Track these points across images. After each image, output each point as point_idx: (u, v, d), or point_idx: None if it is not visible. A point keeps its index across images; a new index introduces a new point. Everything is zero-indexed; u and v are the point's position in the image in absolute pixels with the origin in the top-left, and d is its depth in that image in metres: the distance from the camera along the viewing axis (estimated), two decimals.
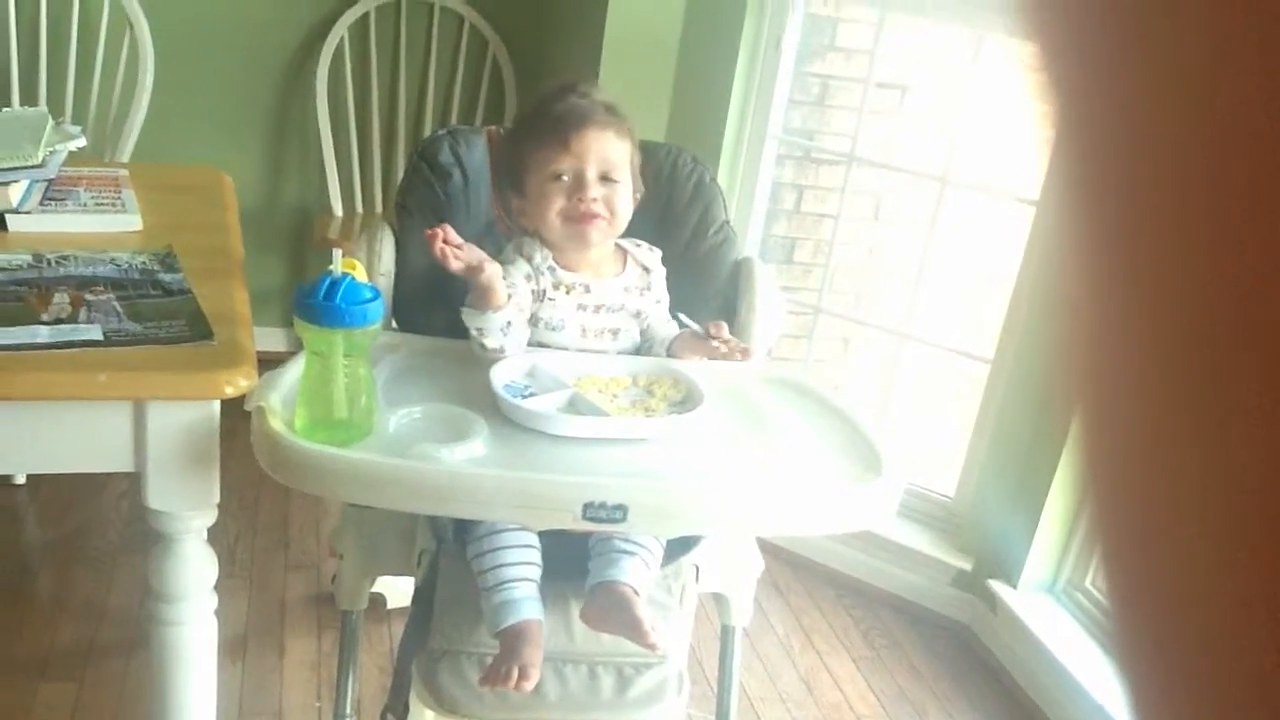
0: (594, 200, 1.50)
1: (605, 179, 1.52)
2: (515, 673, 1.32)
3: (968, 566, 2.44)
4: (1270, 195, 0.17)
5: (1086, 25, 0.20)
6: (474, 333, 1.46)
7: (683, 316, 1.59)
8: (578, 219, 1.51)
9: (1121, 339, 0.21)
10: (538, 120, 1.54)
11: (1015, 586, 2.33)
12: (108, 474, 2.44)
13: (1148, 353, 0.20)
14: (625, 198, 1.54)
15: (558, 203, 1.51)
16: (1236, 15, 0.17)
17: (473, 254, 1.42)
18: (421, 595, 1.48)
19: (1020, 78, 0.22)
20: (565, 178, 1.51)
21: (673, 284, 1.64)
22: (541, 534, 1.42)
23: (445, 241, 1.41)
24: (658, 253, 1.63)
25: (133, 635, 2.09)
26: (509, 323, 1.46)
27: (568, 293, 1.55)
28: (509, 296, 1.46)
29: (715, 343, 1.51)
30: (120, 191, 1.80)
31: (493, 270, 1.43)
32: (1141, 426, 0.21)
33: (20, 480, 2.56)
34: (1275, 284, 0.17)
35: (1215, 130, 0.18)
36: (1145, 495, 0.21)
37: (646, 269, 1.61)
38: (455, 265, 1.41)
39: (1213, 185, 0.18)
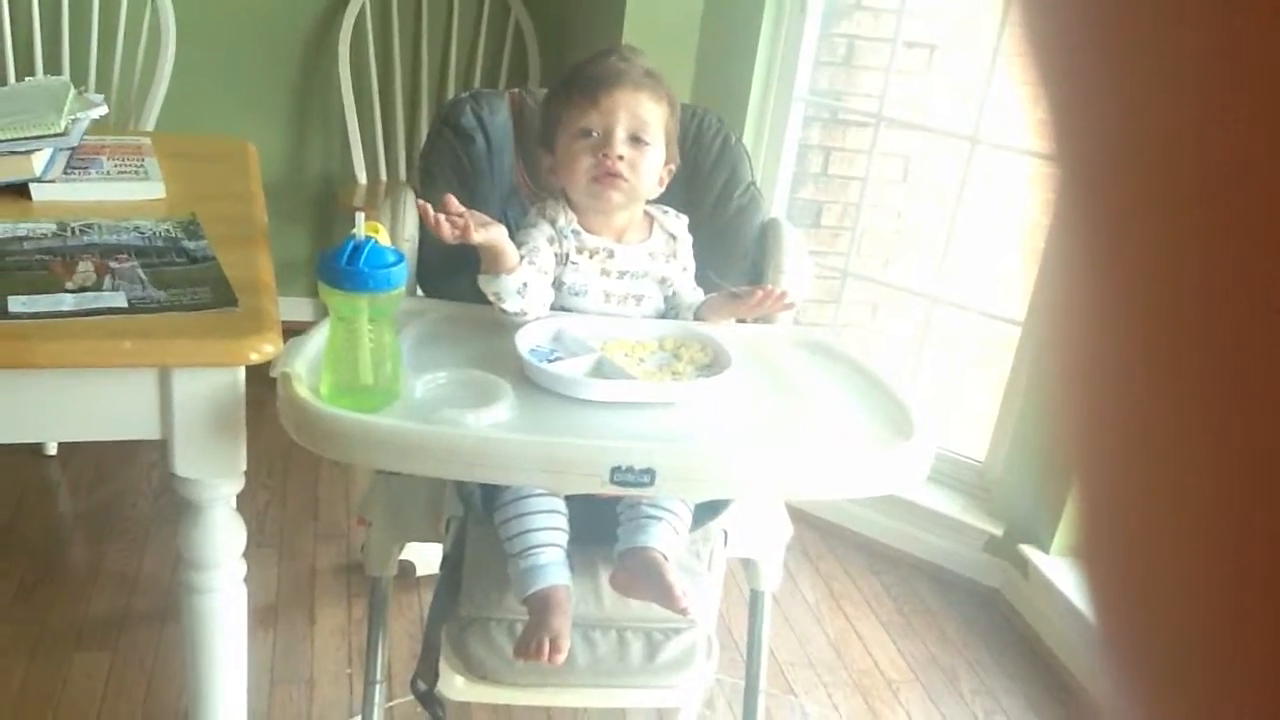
0: (619, 159, 1.48)
1: (635, 140, 1.49)
2: (546, 645, 1.32)
3: (999, 532, 2.42)
4: (1257, 190, 0.17)
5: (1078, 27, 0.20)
6: (491, 297, 1.44)
7: (713, 276, 1.57)
8: (600, 178, 1.49)
9: (1110, 338, 0.20)
10: (574, 78, 1.52)
11: (1047, 551, 2.31)
12: (137, 445, 2.46)
13: (1137, 351, 0.20)
14: (653, 162, 1.51)
15: (584, 160, 1.49)
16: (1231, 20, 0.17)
17: (473, 219, 1.40)
18: (450, 562, 1.47)
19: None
20: (594, 134, 1.49)
21: (699, 246, 1.62)
22: (569, 500, 1.41)
23: (449, 212, 1.38)
24: (684, 219, 1.61)
25: (165, 605, 2.11)
26: (525, 284, 1.44)
27: (591, 257, 1.53)
28: (522, 258, 1.45)
29: (758, 294, 1.48)
30: (143, 160, 1.80)
31: (495, 233, 1.40)
32: (1126, 423, 0.20)
33: (52, 452, 2.58)
34: (1266, 284, 0.17)
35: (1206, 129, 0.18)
36: (1128, 491, 0.21)
37: (673, 236, 1.59)
38: (448, 234, 1.37)
39: (1202, 178, 0.18)
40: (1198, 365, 0.18)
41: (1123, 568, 0.21)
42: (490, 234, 1.40)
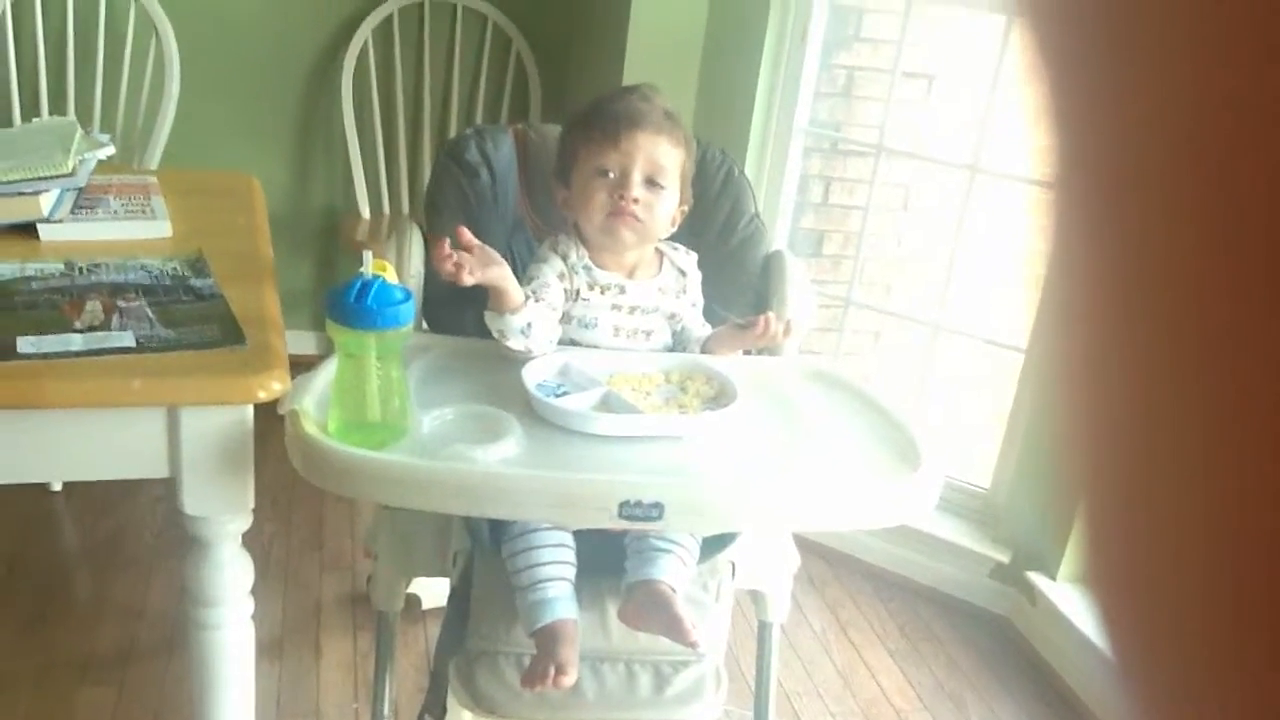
0: (635, 201, 1.49)
1: (651, 183, 1.50)
2: (552, 670, 1.32)
3: (1005, 559, 2.42)
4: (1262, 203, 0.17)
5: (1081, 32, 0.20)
6: (496, 335, 1.45)
7: (719, 309, 1.57)
8: (614, 216, 1.50)
9: (1113, 352, 0.21)
10: (594, 115, 1.53)
11: (1055, 578, 2.30)
12: (142, 479, 2.46)
13: (1143, 359, 0.20)
14: (667, 204, 1.52)
15: (599, 198, 1.50)
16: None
17: (480, 256, 1.39)
18: (457, 595, 1.48)
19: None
20: (611, 174, 1.49)
21: (704, 277, 1.63)
22: (577, 533, 1.42)
23: (460, 243, 1.39)
24: (694, 256, 1.62)
25: (170, 638, 2.11)
26: (529, 324, 1.44)
27: (602, 293, 1.54)
28: (527, 297, 1.45)
29: (760, 324, 1.49)
30: (150, 198, 1.81)
31: (495, 274, 1.40)
32: (1133, 427, 0.20)
33: (57, 487, 2.58)
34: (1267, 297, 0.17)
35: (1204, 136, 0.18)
36: (1134, 510, 0.21)
37: (683, 272, 1.60)
38: (446, 273, 1.37)
39: (1206, 191, 0.18)
40: (1202, 380, 0.19)
41: (1130, 589, 0.22)
42: (490, 274, 1.40)
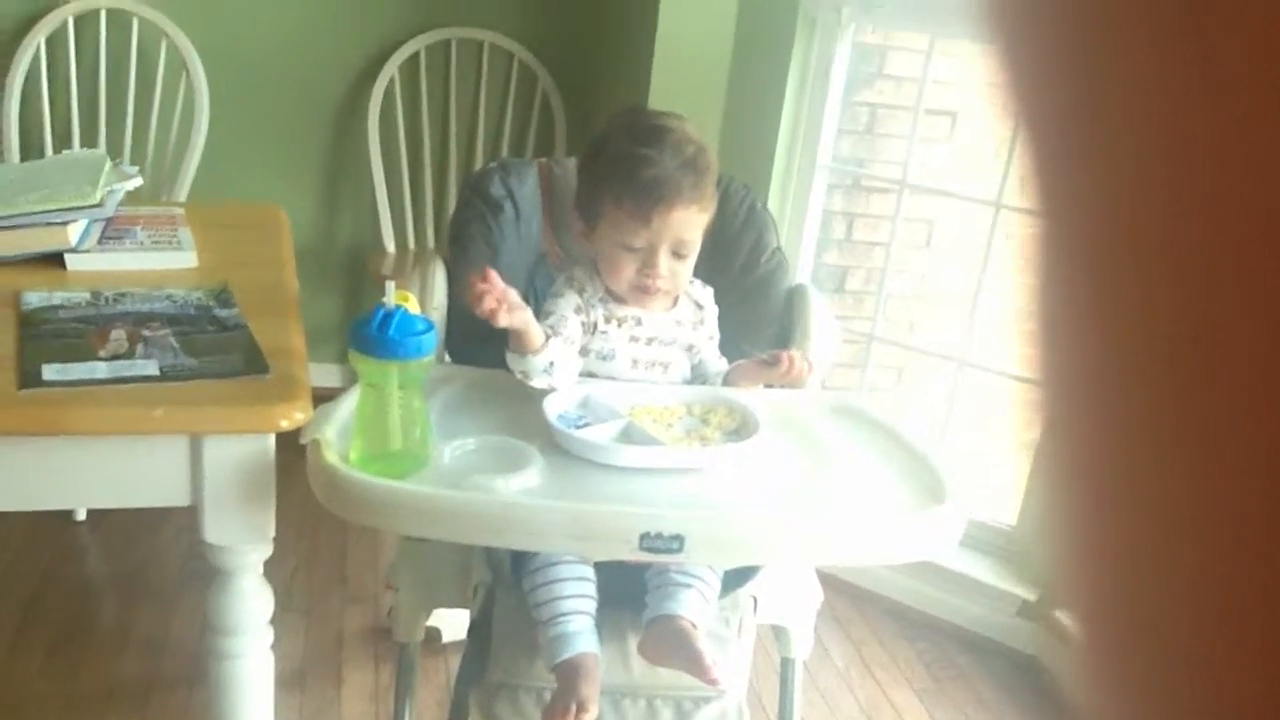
0: (660, 276, 1.50)
1: (677, 254, 1.51)
2: (574, 707, 1.31)
3: (1033, 597, 2.39)
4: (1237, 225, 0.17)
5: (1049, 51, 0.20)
6: (519, 376, 1.45)
7: (745, 347, 1.57)
8: (640, 288, 1.51)
9: (1096, 361, 0.20)
10: (627, 178, 1.46)
11: None
12: (167, 510, 2.47)
13: (1122, 372, 0.20)
14: (690, 264, 1.53)
15: (626, 272, 1.50)
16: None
17: (511, 299, 1.39)
18: (477, 628, 1.47)
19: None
20: (638, 248, 1.49)
21: (726, 311, 1.63)
22: (597, 565, 1.41)
23: (489, 286, 1.38)
24: (710, 290, 1.62)
25: (194, 669, 2.10)
26: (551, 363, 1.44)
27: (619, 325, 1.54)
28: (547, 336, 1.45)
29: (784, 362, 1.48)
30: (177, 230, 1.82)
31: (519, 318, 1.39)
32: (1115, 438, 0.20)
33: (81, 517, 2.59)
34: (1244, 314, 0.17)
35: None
36: (1118, 516, 0.21)
37: (699, 305, 1.60)
38: (484, 310, 1.36)
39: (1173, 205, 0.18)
40: (1183, 411, 0.18)
41: (1111, 593, 0.21)
42: (515, 318, 1.39)
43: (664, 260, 1.49)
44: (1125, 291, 0.19)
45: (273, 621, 1.48)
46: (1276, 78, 0.16)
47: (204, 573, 1.46)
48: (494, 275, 1.38)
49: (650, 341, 1.56)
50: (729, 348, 1.62)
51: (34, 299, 1.54)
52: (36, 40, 2.76)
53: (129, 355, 1.40)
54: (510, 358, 1.45)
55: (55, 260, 1.66)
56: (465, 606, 1.53)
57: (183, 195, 2.78)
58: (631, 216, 1.46)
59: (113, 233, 1.76)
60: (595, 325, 1.53)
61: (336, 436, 1.31)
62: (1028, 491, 2.43)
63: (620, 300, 1.54)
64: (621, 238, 1.48)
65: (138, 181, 1.82)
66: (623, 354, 1.54)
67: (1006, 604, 2.42)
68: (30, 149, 2.78)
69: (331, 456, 1.26)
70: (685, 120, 1.53)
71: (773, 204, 2.53)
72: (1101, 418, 0.20)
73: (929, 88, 2.48)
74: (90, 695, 2.06)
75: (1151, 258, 0.18)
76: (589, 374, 1.53)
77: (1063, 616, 2.29)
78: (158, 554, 2.51)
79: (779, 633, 1.66)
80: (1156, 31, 0.18)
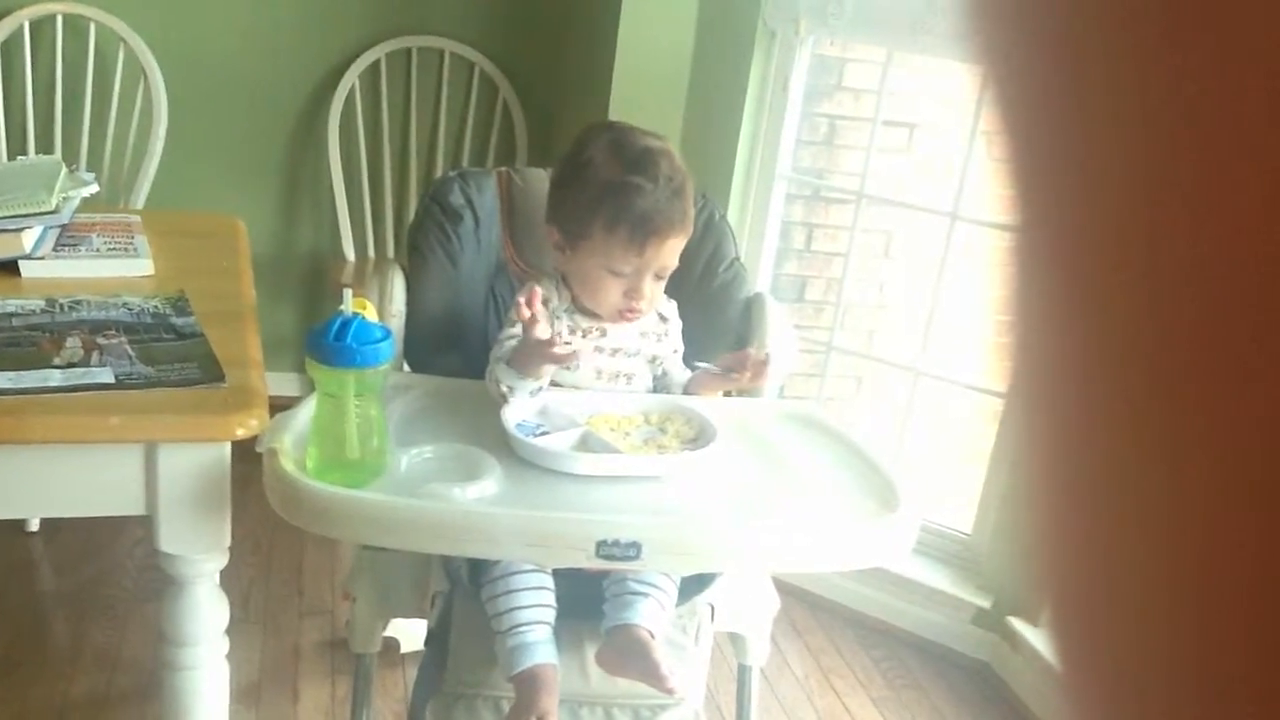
0: (645, 299, 1.51)
1: (657, 277, 1.52)
2: (532, 719, 1.31)
3: (987, 604, 2.41)
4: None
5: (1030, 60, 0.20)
6: (502, 388, 1.43)
7: (701, 365, 1.58)
8: (624, 311, 1.51)
9: (1077, 364, 0.21)
10: (621, 207, 1.45)
11: (1036, 624, 2.30)
12: (122, 522, 2.44)
13: (1103, 374, 0.20)
14: (666, 281, 1.54)
15: (612, 297, 1.51)
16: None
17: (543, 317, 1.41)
18: (435, 637, 1.47)
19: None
20: (625, 274, 1.49)
21: (685, 319, 1.64)
22: (555, 574, 1.41)
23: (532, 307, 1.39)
24: (674, 304, 1.63)
25: (148, 684, 2.08)
26: (540, 388, 1.45)
27: (584, 336, 1.55)
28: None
29: (744, 373, 1.49)
30: (133, 237, 1.81)
31: (563, 352, 1.40)
32: (1096, 438, 0.20)
33: (34, 528, 2.56)
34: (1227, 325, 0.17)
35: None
36: (1095, 511, 0.21)
37: (664, 317, 1.61)
38: (562, 354, 1.38)
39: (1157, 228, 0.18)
40: (1160, 415, 0.19)
41: (1090, 630, 0.21)
42: (560, 352, 1.39)
43: (648, 285, 1.50)
44: (1108, 297, 0.19)
45: (228, 632, 1.47)
46: (1258, 86, 0.16)
47: (159, 586, 1.45)
48: (538, 296, 1.40)
49: (615, 353, 1.56)
50: (687, 356, 1.63)
51: None
52: None
53: (84, 363, 1.39)
54: (504, 371, 1.43)
55: (9, 267, 1.65)
56: (423, 616, 1.52)
57: (140, 202, 2.76)
58: (624, 246, 1.46)
59: (68, 239, 1.75)
60: (560, 336, 1.53)
61: (293, 445, 1.30)
62: (983, 500, 2.46)
63: (586, 312, 1.55)
64: (610, 263, 1.48)
65: (94, 188, 1.81)
66: (587, 365, 1.55)
67: (962, 611, 2.45)
68: None
69: (288, 465, 1.25)
70: (666, 140, 1.54)
71: (732, 214, 2.55)
72: (1081, 418, 0.21)
73: (887, 99, 2.51)
74: (42, 710, 2.03)
75: (1135, 264, 0.19)
76: (554, 384, 1.53)
77: (1016, 623, 2.32)
78: (112, 567, 2.48)
79: (736, 640, 1.67)
80: (1139, 42, 0.18)
